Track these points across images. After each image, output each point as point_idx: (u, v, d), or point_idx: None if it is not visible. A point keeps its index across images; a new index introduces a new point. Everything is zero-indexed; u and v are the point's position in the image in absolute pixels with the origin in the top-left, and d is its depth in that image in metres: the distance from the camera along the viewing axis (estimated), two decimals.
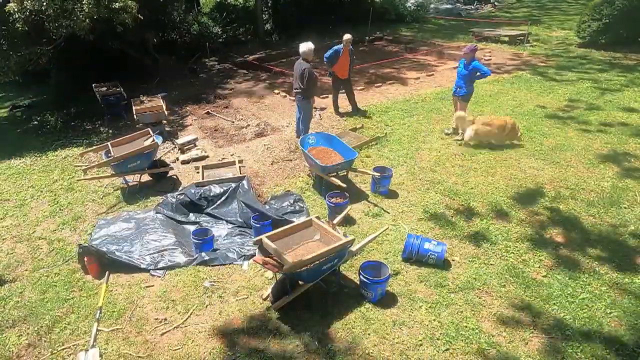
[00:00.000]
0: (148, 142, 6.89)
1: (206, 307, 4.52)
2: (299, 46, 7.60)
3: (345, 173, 6.44)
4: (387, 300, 4.43)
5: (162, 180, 7.14)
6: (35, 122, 10.16)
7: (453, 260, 4.98)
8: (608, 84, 10.10)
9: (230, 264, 5.11)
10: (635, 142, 7.44)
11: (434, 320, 4.20)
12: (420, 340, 3.99)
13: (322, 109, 9.65)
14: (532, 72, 11.32)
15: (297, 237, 4.58)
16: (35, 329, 4.37)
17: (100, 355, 4.00)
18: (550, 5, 20.63)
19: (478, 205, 5.95)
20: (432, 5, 21.52)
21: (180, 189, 6.78)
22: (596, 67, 11.47)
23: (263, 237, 4.37)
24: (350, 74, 9.19)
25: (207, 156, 7.89)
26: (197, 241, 5.32)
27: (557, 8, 20.12)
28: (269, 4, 17.65)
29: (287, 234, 4.56)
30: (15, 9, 7.80)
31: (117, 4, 8.42)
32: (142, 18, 9.04)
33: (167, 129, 9.03)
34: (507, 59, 12.66)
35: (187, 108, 10.55)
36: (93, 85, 10.15)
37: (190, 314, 4.44)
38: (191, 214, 6.07)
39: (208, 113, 10.11)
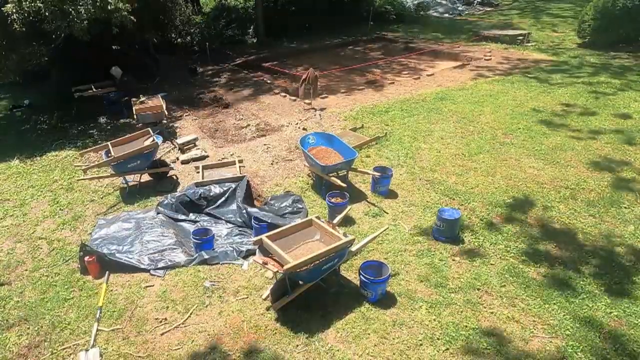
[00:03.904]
0: (148, 142, 6.89)
1: (206, 307, 4.52)
2: None
3: (345, 173, 6.44)
4: (387, 300, 4.43)
5: (162, 180, 7.13)
6: (36, 122, 10.16)
7: (453, 260, 4.98)
8: (606, 85, 10.09)
9: (230, 263, 5.11)
10: (634, 143, 7.43)
11: (434, 320, 4.20)
12: (420, 340, 3.99)
13: (322, 109, 9.65)
14: (532, 73, 11.31)
15: (297, 237, 4.59)
16: (35, 329, 4.37)
17: (101, 355, 4.01)
18: (548, 7, 20.62)
19: (478, 206, 5.94)
20: (431, 5, 21.51)
21: (180, 189, 6.78)
22: (595, 67, 11.46)
23: (263, 237, 4.38)
24: None
25: (207, 156, 7.89)
26: (197, 241, 5.33)
27: (555, 10, 20.11)
28: (269, 4, 17.62)
29: (288, 233, 4.57)
30: (13, 10, 7.79)
31: (110, 6, 8.41)
32: (135, 20, 9.00)
33: (167, 129, 9.02)
34: (507, 59, 12.65)
35: (187, 108, 10.55)
36: (92, 85, 10.18)
37: (190, 314, 4.44)
38: (191, 214, 6.07)
39: (208, 113, 10.10)
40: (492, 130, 8.13)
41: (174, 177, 7.25)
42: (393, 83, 11.35)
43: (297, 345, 4.00)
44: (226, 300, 4.59)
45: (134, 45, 12.50)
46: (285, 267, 3.98)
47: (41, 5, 7.75)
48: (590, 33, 13.09)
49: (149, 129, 7.50)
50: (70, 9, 7.98)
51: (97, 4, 8.20)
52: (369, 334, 4.08)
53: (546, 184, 6.35)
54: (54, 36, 8.51)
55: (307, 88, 9.85)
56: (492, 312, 4.27)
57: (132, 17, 8.85)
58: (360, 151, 7.40)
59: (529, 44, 14.16)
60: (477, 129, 8.21)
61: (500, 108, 9.11)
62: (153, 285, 4.85)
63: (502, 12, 20.72)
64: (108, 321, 4.41)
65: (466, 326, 4.12)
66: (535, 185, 6.35)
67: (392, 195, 6.29)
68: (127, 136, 7.30)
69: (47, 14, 7.81)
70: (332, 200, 5.78)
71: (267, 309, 4.42)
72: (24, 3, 7.73)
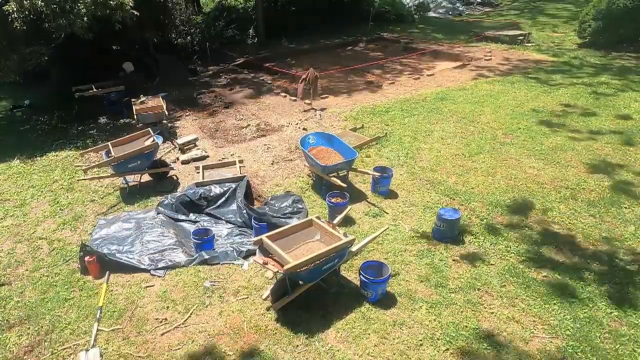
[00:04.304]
0: (148, 142, 6.89)
1: (206, 307, 4.52)
2: None
3: (345, 173, 6.44)
4: (387, 300, 4.43)
5: (162, 180, 7.14)
6: (36, 122, 10.16)
7: (453, 260, 4.98)
8: (606, 85, 10.08)
9: (230, 263, 5.11)
10: (634, 143, 7.43)
11: (434, 320, 4.20)
12: (420, 340, 3.99)
13: (322, 109, 9.65)
14: (532, 73, 11.31)
15: (298, 237, 4.59)
16: (36, 329, 4.37)
17: (101, 355, 4.01)
18: (549, 7, 20.63)
19: (478, 206, 5.94)
20: (432, 6, 21.51)
21: (180, 189, 6.78)
22: (596, 68, 11.46)
23: (263, 237, 4.37)
24: None
25: (207, 156, 7.89)
26: (197, 241, 5.33)
27: (555, 10, 20.12)
28: (269, 4, 17.64)
29: (288, 234, 4.57)
30: (14, 8, 7.78)
31: (112, 2, 8.41)
32: (137, 14, 9.00)
33: (167, 129, 9.03)
34: (507, 59, 12.65)
35: (187, 108, 10.55)
36: (93, 85, 10.18)
37: (191, 314, 4.44)
38: (191, 214, 6.07)
39: (208, 113, 10.10)
40: (492, 130, 8.13)
41: (174, 177, 7.25)
42: (393, 83, 11.34)
43: (297, 345, 4.00)
44: (226, 300, 4.59)
45: (134, 45, 12.49)
46: (286, 267, 3.98)
47: (42, 3, 7.75)
48: (591, 33, 13.09)
49: (149, 129, 7.50)
50: (71, 6, 7.97)
51: (99, 0, 8.19)
52: (369, 334, 4.08)
53: (546, 184, 6.35)
54: (54, 35, 8.51)
55: (307, 88, 9.85)
56: (492, 312, 4.27)
57: (135, 12, 8.84)
58: (360, 151, 7.40)
59: (529, 44, 14.15)
60: (477, 129, 8.21)
61: (500, 108, 9.11)
62: (153, 286, 4.86)
63: (502, 12, 20.73)
64: (108, 321, 4.41)
65: (466, 326, 4.12)
66: (535, 185, 6.35)
67: (392, 195, 6.29)
68: (127, 136, 7.29)
69: (47, 11, 7.81)
70: (332, 200, 5.77)
71: (267, 309, 4.42)
72: (25, 1, 7.72)
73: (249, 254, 5.22)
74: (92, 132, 9.45)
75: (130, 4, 8.68)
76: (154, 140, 6.87)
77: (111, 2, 8.36)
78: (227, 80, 12.80)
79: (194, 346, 4.08)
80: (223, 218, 5.96)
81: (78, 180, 7.16)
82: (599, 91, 9.75)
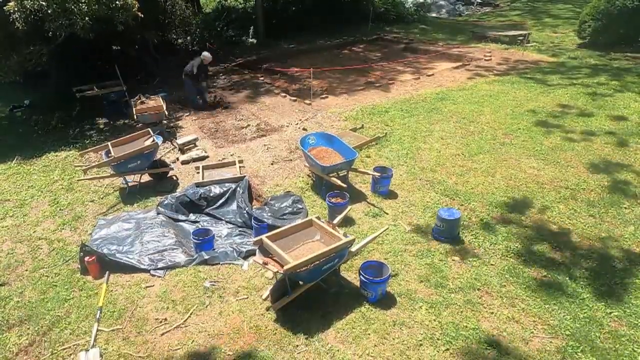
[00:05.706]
0: (148, 142, 6.89)
1: (206, 307, 4.52)
2: None
3: (345, 173, 6.44)
4: (387, 300, 4.43)
5: (162, 180, 7.14)
6: (35, 122, 10.16)
7: (453, 260, 4.99)
8: (605, 86, 10.09)
9: (230, 263, 5.11)
10: (633, 144, 7.44)
11: (434, 320, 4.20)
12: (420, 340, 4.00)
13: (322, 109, 9.64)
14: (531, 73, 11.32)
15: (298, 237, 4.59)
16: (36, 329, 4.37)
17: (101, 355, 4.01)
18: (548, 8, 20.65)
19: (478, 206, 5.95)
20: (432, 6, 21.52)
21: (180, 189, 6.78)
22: (595, 68, 11.47)
23: (263, 237, 4.38)
24: None
25: (207, 156, 7.89)
26: (197, 241, 5.33)
27: (554, 10, 20.14)
28: (269, 5, 17.64)
29: (288, 234, 4.57)
30: (15, 9, 7.78)
31: (117, 2, 8.42)
32: (142, 16, 9.02)
33: (167, 129, 9.02)
34: (507, 60, 12.65)
35: (187, 108, 10.54)
36: (95, 85, 10.16)
37: (190, 314, 4.44)
38: (191, 214, 6.08)
39: (208, 114, 10.10)
40: (492, 130, 8.13)
41: (174, 177, 7.25)
42: (393, 83, 11.35)
43: (297, 345, 4.00)
44: (226, 300, 4.60)
45: (134, 45, 12.50)
46: (286, 267, 3.98)
47: (43, 3, 7.75)
48: (590, 33, 13.10)
49: (149, 129, 7.50)
50: (73, 7, 7.96)
51: (102, 1, 8.19)
52: (369, 334, 4.08)
53: (546, 184, 6.36)
54: (54, 35, 8.50)
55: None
56: (492, 313, 4.27)
57: (139, 13, 8.84)
58: (360, 151, 7.40)
59: (529, 45, 14.16)
60: (477, 129, 8.22)
61: (500, 108, 9.11)
62: (153, 286, 4.86)
63: (502, 12, 20.74)
64: (108, 321, 4.41)
65: (466, 326, 4.12)
66: (535, 185, 6.35)
67: (392, 195, 6.30)
68: (127, 136, 7.30)
69: (49, 11, 7.80)
70: (332, 200, 5.78)
71: (267, 309, 4.42)
72: (25, 1, 7.72)
73: (248, 254, 5.22)
74: (91, 132, 9.44)
75: (135, 5, 8.68)
76: (153, 140, 6.87)
77: (115, 3, 8.35)
78: (227, 81, 12.79)
79: (194, 346, 4.09)
80: (223, 218, 5.97)
81: (78, 180, 7.16)
82: (597, 92, 9.75)
